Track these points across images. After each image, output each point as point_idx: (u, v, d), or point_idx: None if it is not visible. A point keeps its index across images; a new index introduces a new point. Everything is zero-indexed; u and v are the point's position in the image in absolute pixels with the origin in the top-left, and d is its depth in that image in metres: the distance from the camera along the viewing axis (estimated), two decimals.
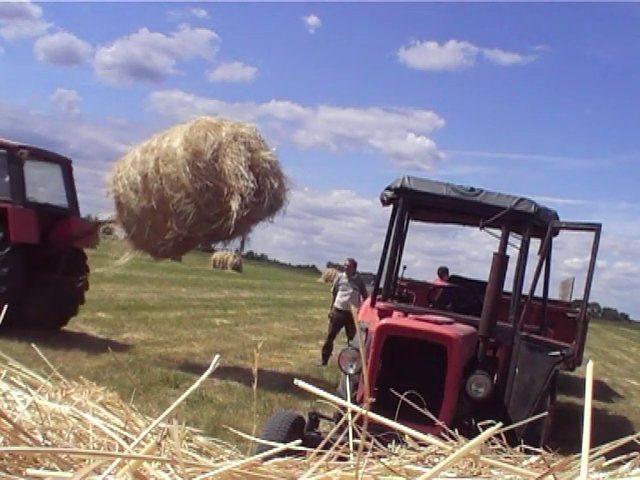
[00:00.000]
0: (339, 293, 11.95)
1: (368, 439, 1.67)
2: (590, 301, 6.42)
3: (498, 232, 5.79)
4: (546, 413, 5.01)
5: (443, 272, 11.87)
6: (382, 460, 1.61)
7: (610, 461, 1.69)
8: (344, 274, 12.13)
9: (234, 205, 8.91)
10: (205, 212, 9.14)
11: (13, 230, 10.31)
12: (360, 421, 1.53)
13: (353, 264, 12.04)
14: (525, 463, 1.79)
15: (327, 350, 12.06)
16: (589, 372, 1.52)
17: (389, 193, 6.32)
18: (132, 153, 9.82)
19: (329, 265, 62.15)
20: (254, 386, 2.09)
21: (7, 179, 10.85)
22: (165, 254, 10.26)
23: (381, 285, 6.28)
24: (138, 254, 10.29)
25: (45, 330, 10.49)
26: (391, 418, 1.74)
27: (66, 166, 11.90)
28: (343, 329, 12.11)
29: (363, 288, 12.00)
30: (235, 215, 8.88)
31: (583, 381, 1.69)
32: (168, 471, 1.48)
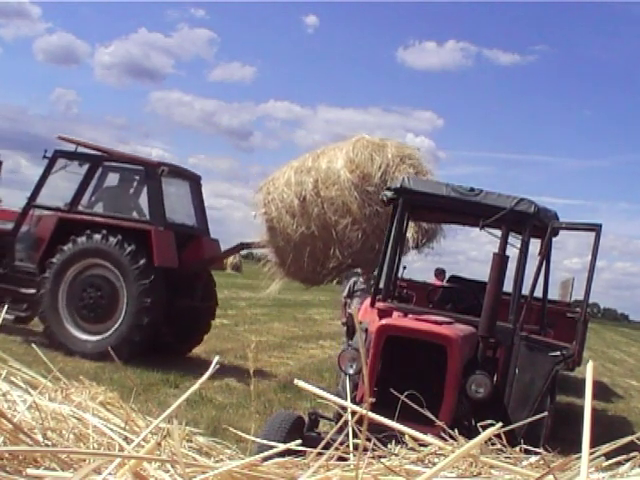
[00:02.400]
0: (357, 300, 10.28)
1: (368, 439, 1.67)
2: (590, 301, 6.42)
3: (498, 232, 5.79)
4: (546, 413, 5.01)
5: (440, 273, 11.90)
6: (382, 460, 1.61)
7: (610, 461, 1.69)
8: (361, 279, 10.66)
9: (408, 232, 8.32)
10: (372, 239, 8.61)
11: (157, 254, 9.47)
12: (360, 421, 1.53)
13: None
14: (525, 463, 1.79)
15: None
16: (589, 372, 1.52)
17: (389, 193, 6.32)
18: (282, 172, 9.20)
19: None
20: (251, 386, 2.10)
21: (145, 198, 10.13)
22: (318, 281, 9.59)
23: (381, 285, 6.28)
24: (287, 280, 9.60)
25: (173, 356, 9.97)
26: (391, 418, 1.74)
27: (195, 183, 11.13)
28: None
29: None
30: (410, 243, 8.41)
31: (583, 381, 1.69)
32: (168, 471, 1.48)
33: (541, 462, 1.76)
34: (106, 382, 6.13)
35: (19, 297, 10.27)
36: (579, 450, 1.40)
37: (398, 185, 6.17)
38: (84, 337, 9.62)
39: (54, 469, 1.47)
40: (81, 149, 10.46)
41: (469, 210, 6.08)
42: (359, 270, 10.62)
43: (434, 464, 1.67)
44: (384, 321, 5.32)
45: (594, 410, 1.52)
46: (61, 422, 1.90)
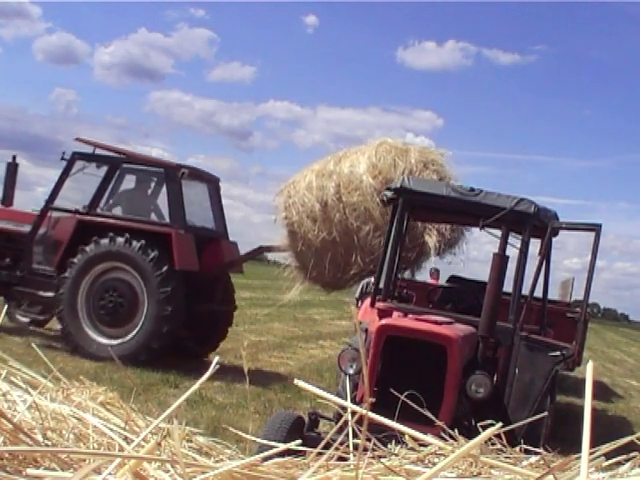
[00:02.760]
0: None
1: (368, 439, 1.67)
2: (590, 301, 6.42)
3: (498, 232, 5.79)
4: (546, 413, 5.01)
5: (434, 272, 11.89)
6: (382, 460, 1.61)
7: (610, 461, 1.69)
8: (373, 280, 10.83)
9: (431, 241, 8.40)
10: None
11: (178, 258, 9.32)
12: (360, 421, 1.53)
13: None
14: (525, 463, 1.79)
15: None
16: (589, 372, 1.52)
17: (389, 193, 6.31)
18: (303, 176, 9.05)
19: None
20: (247, 385, 2.11)
21: (164, 200, 9.95)
22: (339, 287, 9.48)
23: (381, 285, 6.28)
24: (308, 285, 9.48)
25: (190, 359, 9.79)
26: (391, 418, 1.74)
27: (214, 185, 10.95)
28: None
29: None
30: (433, 251, 8.35)
31: (583, 381, 1.70)
32: (168, 471, 1.48)
33: (541, 462, 1.76)
34: (106, 382, 6.12)
35: (37, 300, 10.21)
36: (579, 450, 1.40)
37: (398, 185, 6.17)
38: (103, 340, 9.47)
39: (54, 469, 1.47)
40: (99, 151, 10.30)
41: (469, 210, 6.07)
42: None
43: (434, 464, 1.67)
44: (384, 321, 5.32)
45: (594, 410, 1.52)
46: (61, 422, 1.90)
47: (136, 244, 9.35)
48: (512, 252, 5.71)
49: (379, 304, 5.98)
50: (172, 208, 9.76)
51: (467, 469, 1.67)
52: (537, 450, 1.89)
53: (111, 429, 1.83)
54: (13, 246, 10.24)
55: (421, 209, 6.87)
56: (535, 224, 5.89)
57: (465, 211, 6.22)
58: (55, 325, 11.20)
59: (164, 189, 10.04)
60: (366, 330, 5.60)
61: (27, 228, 10.18)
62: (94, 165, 10.13)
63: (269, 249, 10.25)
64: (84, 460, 1.53)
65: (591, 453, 1.59)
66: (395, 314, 5.70)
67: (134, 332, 9.39)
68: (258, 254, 10.73)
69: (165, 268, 9.28)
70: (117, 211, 10.26)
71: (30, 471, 1.43)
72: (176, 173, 9.83)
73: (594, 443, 1.50)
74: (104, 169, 10.00)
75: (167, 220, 9.82)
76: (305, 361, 12.38)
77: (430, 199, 6.15)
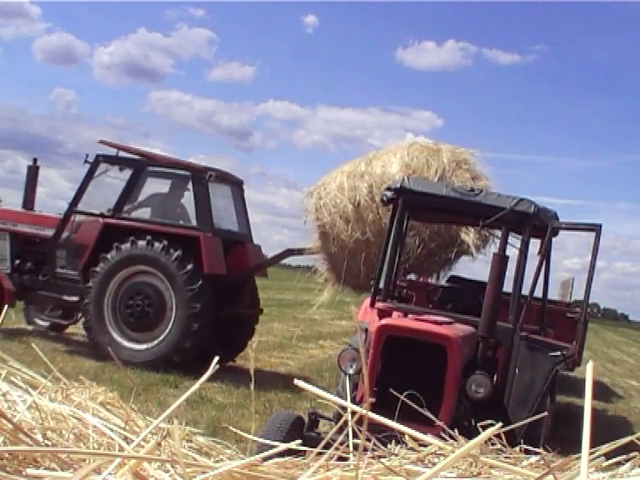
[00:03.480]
0: None
1: (368, 439, 1.67)
2: (590, 301, 6.42)
3: (498, 232, 5.79)
4: (546, 413, 5.01)
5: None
6: (382, 460, 1.61)
7: (610, 461, 1.69)
8: None
9: (468, 239, 8.40)
10: (429, 245, 8.52)
11: (206, 261, 9.21)
12: (360, 421, 1.53)
13: None
14: (525, 463, 1.79)
15: None
16: (589, 372, 1.52)
17: (389, 193, 6.31)
18: (333, 177, 9.05)
19: None
20: (252, 385, 2.12)
21: (190, 203, 9.82)
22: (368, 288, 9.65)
23: (381, 285, 6.27)
24: (339, 288, 9.41)
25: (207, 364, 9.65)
26: (391, 418, 1.74)
27: (238, 187, 10.82)
28: None
29: None
30: (473, 250, 8.39)
31: (583, 381, 1.70)
32: (168, 471, 1.48)
33: (541, 462, 1.76)
34: (106, 382, 6.12)
35: (61, 304, 10.13)
36: (579, 450, 1.40)
37: (398, 185, 6.18)
38: (131, 346, 9.37)
39: (54, 469, 1.47)
40: (120, 153, 10.14)
41: (469, 210, 6.08)
42: None
43: (434, 464, 1.67)
44: (384, 321, 5.32)
45: (594, 410, 1.52)
46: (61, 422, 1.90)
47: (163, 247, 9.24)
48: (512, 252, 5.72)
49: (379, 304, 5.98)
50: (199, 211, 9.63)
51: (467, 469, 1.67)
52: (537, 450, 1.89)
53: (111, 429, 1.83)
54: (35, 250, 10.16)
55: (421, 209, 6.86)
56: (535, 224, 5.89)
57: (465, 211, 6.22)
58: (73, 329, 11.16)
59: (190, 192, 9.88)
60: (366, 330, 5.60)
61: (49, 232, 10.06)
62: (117, 168, 10.00)
63: (300, 252, 10.08)
64: (84, 460, 1.53)
65: (591, 453, 1.59)
66: (395, 314, 5.70)
67: (164, 334, 9.27)
68: (285, 257, 10.63)
69: (193, 271, 9.18)
70: (142, 214, 10.12)
71: (30, 471, 1.43)
72: (203, 176, 9.69)
73: (594, 443, 1.50)
74: (128, 172, 9.86)
75: (194, 223, 9.70)
76: (305, 361, 12.38)
77: (430, 199, 6.15)
